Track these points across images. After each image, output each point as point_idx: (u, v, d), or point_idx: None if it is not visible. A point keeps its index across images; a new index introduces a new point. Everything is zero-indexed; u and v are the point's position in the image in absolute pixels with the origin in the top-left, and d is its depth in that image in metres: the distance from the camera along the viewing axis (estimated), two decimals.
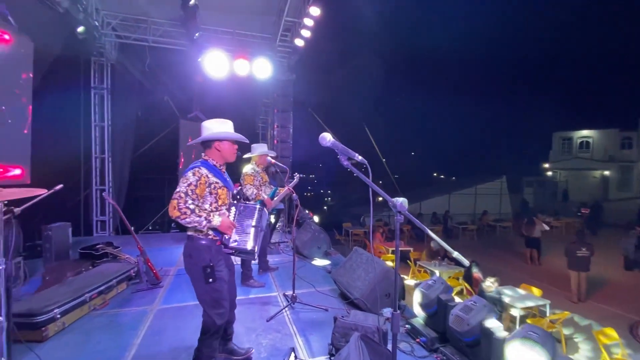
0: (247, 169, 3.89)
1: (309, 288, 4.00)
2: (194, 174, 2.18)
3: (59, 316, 2.89)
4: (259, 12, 7.56)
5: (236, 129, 2.43)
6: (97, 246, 4.65)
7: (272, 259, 4.92)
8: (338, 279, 3.69)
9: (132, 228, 4.21)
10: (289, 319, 3.25)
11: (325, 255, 5.41)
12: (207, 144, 2.33)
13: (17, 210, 2.09)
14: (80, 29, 6.14)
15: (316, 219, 6.62)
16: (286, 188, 3.48)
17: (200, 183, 2.18)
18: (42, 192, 2.15)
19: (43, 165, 5.63)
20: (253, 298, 3.69)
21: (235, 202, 2.44)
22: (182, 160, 7.30)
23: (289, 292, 3.66)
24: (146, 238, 7.13)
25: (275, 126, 8.62)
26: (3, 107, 4.36)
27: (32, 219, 5.25)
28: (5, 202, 2.02)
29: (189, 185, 2.13)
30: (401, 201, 1.38)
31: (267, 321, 3.17)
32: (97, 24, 6.82)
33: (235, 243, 2.30)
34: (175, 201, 2.07)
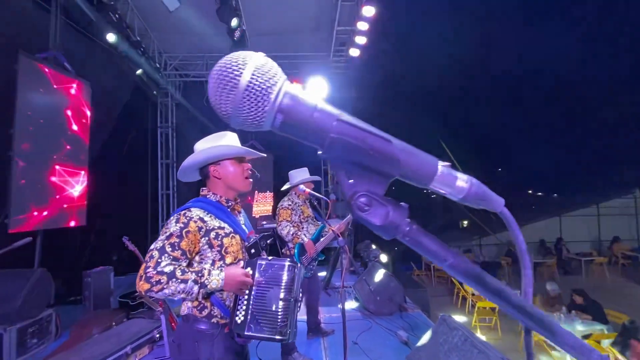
0: (282, 201, 2.99)
1: None
2: (177, 221, 1.35)
3: None
4: (310, 30, 7.02)
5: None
6: (136, 294, 4.19)
7: (329, 315, 3.79)
8: None
9: None
10: None
11: (400, 310, 4.05)
12: (201, 172, 1.51)
13: None
14: (139, 71, 6.33)
15: (384, 257, 5.29)
16: (330, 230, 2.43)
17: (187, 232, 1.33)
18: None
19: (112, 204, 5.69)
20: None
21: (251, 257, 1.46)
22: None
23: None
24: None
25: None
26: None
27: (78, 261, 5.19)
28: None
29: (168, 238, 1.30)
30: None
31: None
32: (158, 65, 7.07)
33: (251, 331, 1.30)
34: (143, 266, 1.26)
